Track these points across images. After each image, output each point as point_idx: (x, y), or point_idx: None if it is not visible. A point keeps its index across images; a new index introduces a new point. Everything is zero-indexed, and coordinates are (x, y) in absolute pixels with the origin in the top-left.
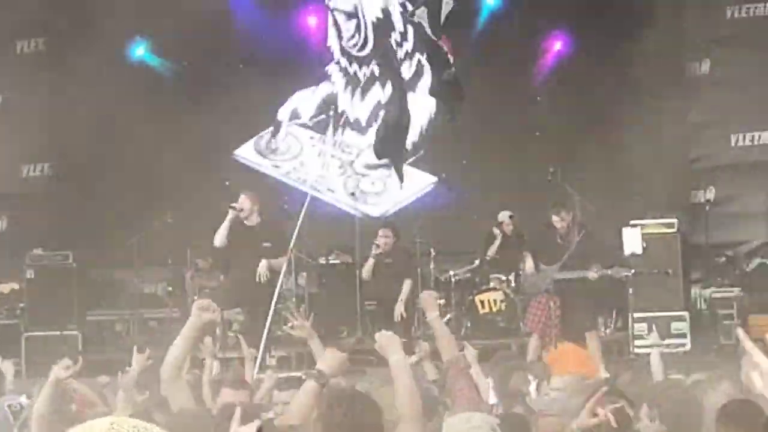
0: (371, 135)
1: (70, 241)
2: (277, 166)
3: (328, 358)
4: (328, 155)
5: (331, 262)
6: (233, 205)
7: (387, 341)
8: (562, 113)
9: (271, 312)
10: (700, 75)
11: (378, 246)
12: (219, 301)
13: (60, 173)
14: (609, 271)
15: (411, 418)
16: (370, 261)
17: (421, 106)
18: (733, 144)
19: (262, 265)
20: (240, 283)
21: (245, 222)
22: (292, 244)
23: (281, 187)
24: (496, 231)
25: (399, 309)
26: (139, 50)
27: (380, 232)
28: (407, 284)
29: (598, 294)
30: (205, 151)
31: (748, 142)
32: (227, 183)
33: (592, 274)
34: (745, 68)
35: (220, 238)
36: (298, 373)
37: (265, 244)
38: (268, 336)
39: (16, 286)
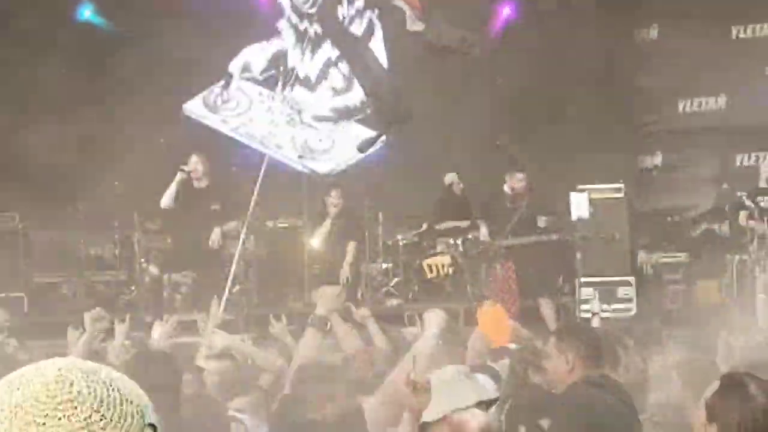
0: (320, 92)
1: (16, 203)
2: (225, 122)
3: (322, 301)
4: (277, 111)
5: (279, 225)
6: (183, 167)
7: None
8: (512, 78)
9: (231, 277)
10: (648, 41)
11: (333, 206)
12: (167, 264)
13: (6, 134)
14: (554, 236)
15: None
16: (326, 224)
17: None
18: (680, 110)
19: (216, 232)
20: (188, 246)
21: (194, 184)
22: (250, 211)
23: (231, 147)
24: (448, 196)
25: (345, 273)
26: (86, 12)
27: (332, 194)
28: (351, 246)
29: (547, 259)
30: (153, 110)
31: (695, 108)
32: (162, 141)
33: (544, 238)
34: (692, 34)
35: (167, 200)
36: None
37: (214, 207)
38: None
39: None
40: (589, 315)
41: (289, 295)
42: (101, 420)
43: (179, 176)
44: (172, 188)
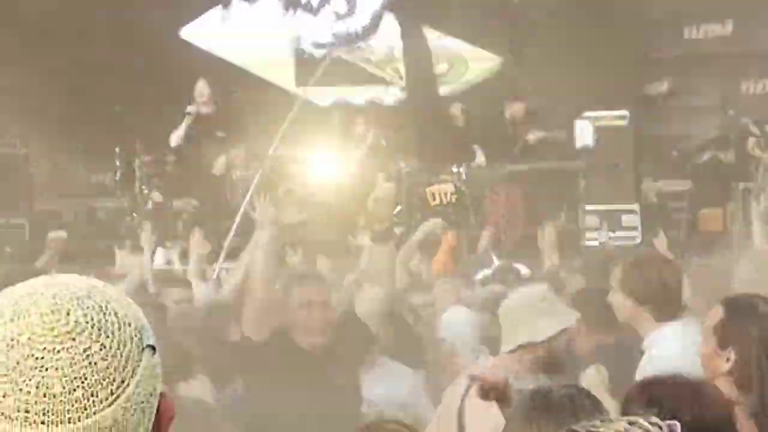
0: (322, 16)
1: (18, 129)
2: (225, 46)
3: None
4: (278, 36)
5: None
6: (189, 110)
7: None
8: (520, 5)
9: (244, 204)
10: None
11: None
12: (170, 191)
13: (8, 59)
14: (557, 164)
15: None
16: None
17: None
18: (686, 36)
19: (220, 160)
20: (193, 173)
21: (201, 110)
22: (272, 149)
23: (232, 73)
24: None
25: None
26: None
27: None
28: None
29: (550, 187)
30: (154, 36)
31: (701, 34)
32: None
33: (531, 137)
34: None
35: (176, 139)
36: None
37: (219, 134)
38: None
39: None
40: (593, 243)
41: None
42: (101, 350)
43: (187, 119)
44: (182, 128)
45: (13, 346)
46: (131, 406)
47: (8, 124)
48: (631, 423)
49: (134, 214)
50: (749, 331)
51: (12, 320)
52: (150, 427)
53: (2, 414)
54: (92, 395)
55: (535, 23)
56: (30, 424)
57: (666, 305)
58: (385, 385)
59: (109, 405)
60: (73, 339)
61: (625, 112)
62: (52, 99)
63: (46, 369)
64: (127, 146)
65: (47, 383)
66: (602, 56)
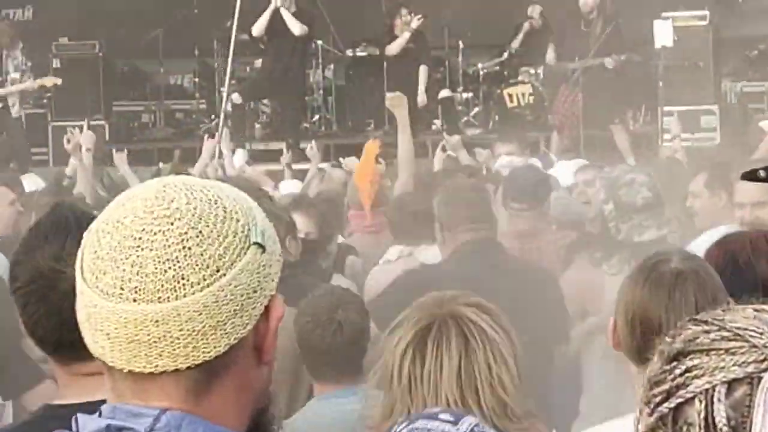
0: None
1: (96, 31)
2: None
3: None
4: None
5: (358, 54)
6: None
7: (396, 100)
8: None
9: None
10: None
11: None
12: (247, 92)
13: None
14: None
15: (407, 167)
16: (404, 36)
17: None
18: None
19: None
20: (269, 74)
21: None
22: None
23: None
24: (526, 25)
25: (421, 98)
26: None
27: (402, 12)
28: (423, 71)
29: (626, 87)
30: None
31: None
32: None
33: (609, 61)
34: None
35: (258, 28)
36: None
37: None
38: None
39: (58, 81)
40: (670, 144)
41: (370, 125)
42: (197, 236)
43: (273, 3)
44: (265, 17)
45: (117, 228)
46: (225, 295)
47: (87, 27)
48: (758, 310)
49: (213, 116)
50: None
51: (123, 204)
52: (249, 323)
53: (102, 291)
54: (183, 278)
55: None
56: (124, 301)
57: None
58: None
59: (201, 290)
60: (171, 223)
61: (705, 12)
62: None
63: (142, 249)
64: (205, 47)
65: (141, 262)
66: None
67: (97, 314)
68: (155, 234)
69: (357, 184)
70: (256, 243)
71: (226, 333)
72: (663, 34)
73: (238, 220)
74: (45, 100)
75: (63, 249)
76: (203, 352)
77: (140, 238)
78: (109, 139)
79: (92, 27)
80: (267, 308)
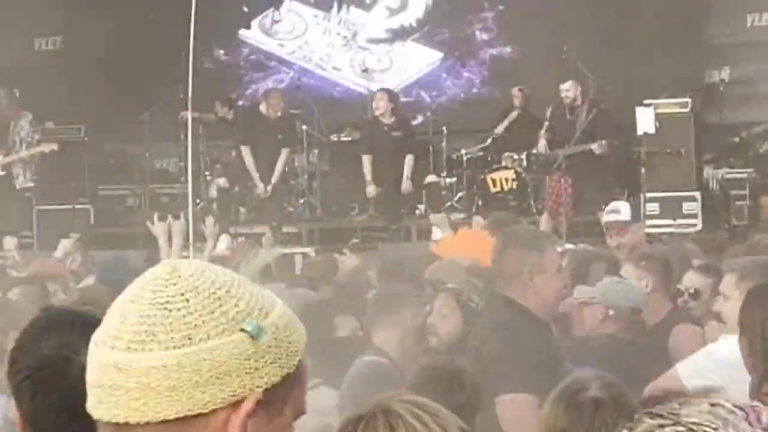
0: (376, 12)
1: (82, 115)
2: (282, 45)
3: None
4: (333, 33)
5: (342, 139)
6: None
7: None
8: None
9: None
10: None
11: (377, 109)
12: (233, 177)
13: (72, 47)
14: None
15: None
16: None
17: None
18: (749, 24)
19: (281, 160)
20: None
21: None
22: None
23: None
24: (513, 114)
25: (406, 185)
26: None
27: (377, 95)
28: (409, 159)
29: (611, 173)
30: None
31: (764, 22)
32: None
33: (596, 147)
34: None
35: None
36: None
37: (280, 137)
38: (280, 212)
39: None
40: (654, 230)
41: (354, 209)
42: (182, 302)
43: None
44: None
45: (128, 289)
46: (189, 363)
47: (73, 111)
48: (713, 405)
49: (198, 201)
50: (759, 317)
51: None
52: (212, 403)
53: (95, 339)
54: (153, 334)
55: (597, 7)
56: (104, 347)
57: None
58: None
59: (165, 350)
60: (166, 286)
61: (687, 100)
62: (114, 84)
63: (132, 303)
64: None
65: (126, 314)
66: (664, 43)
67: (88, 363)
68: (149, 292)
69: None
70: (243, 330)
71: (181, 401)
72: (645, 120)
73: (236, 305)
74: (31, 183)
75: (69, 338)
76: (154, 411)
77: (136, 294)
78: (94, 223)
79: (78, 111)
80: (240, 402)
